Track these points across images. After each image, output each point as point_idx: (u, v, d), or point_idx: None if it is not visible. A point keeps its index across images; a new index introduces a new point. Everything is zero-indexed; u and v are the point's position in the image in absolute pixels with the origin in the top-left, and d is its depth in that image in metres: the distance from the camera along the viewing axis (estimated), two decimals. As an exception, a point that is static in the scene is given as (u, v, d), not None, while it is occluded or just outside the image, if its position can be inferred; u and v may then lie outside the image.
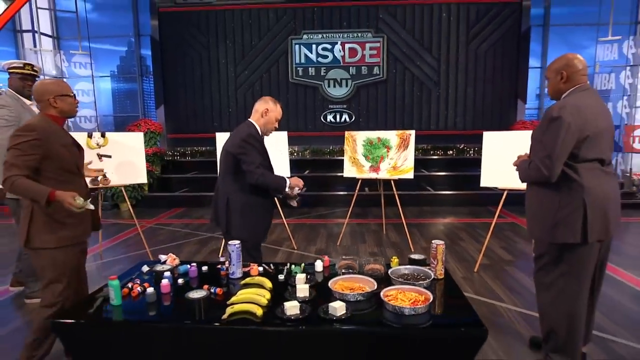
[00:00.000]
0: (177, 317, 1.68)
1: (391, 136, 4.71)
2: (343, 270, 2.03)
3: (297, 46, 8.96)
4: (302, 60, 9.01)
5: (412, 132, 4.68)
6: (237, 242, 2.07)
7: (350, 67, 8.97)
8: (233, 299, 1.75)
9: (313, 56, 8.98)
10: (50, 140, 1.99)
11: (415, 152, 4.70)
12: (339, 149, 8.87)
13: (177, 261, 2.21)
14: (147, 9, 9.19)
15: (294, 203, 2.70)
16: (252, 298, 1.74)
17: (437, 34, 8.75)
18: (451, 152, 8.72)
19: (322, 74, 9.02)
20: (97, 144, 4.17)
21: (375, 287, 1.81)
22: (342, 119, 9.12)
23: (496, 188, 4.06)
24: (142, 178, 4.37)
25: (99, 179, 4.08)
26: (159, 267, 2.09)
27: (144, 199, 7.27)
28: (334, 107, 9.09)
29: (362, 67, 8.95)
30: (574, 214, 2.13)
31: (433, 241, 2.09)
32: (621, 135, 8.06)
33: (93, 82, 8.64)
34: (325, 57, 8.97)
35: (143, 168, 4.38)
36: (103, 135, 4.20)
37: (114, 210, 7.15)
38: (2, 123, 3.03)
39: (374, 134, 4.82)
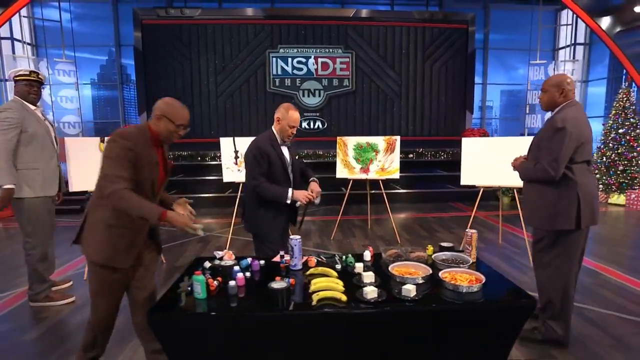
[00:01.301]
0: (269, 306, 1.67)
1: (379, 141, 4.87)
2: (392, 258, 2.12)
3: (274, 59, 8.94)
4: (279, 72, 9.00)
5: (398, 138, 4.87)
6: (298, 236, 2.08)
7: (323, 79, 9.09)
8: (312, 287, 1.78)
9: (289, 68, 9.00)
10: (140, 154, 1.78)
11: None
12: (313, 153, 8.97)
13: (233, 256, 2.18)
14: (128, 20, 8.77)
15: (315, 201, 2.60)
16: (330, 286, 1.78)
17: (399, 52, 9.10)
18: (412, 155, 9.10)
19: (297, 84, 9.06)
20: (110, 149, 3.95)
21: (430, 271, 1.92)
22: (316, 126, 9.21)
23: (474, 186, 4.32)
24: (154, 181, 4.19)
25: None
26: (223, 263, 2.05)
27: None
28: (308, 115, 9.16)
29: (334, 79, 9.10)
30: (570, 206, 2.38)
31: (467, 230, 2.24)
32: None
33: (78, 90, 8.07)
34: (300, 69, 9.02)
35: (154, 171, 4.21)
36: (116, 141, 3.98)
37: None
38: (2, 126, 2.79)
39: (363, 139, 4.96)
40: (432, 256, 2.16)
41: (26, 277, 3.48)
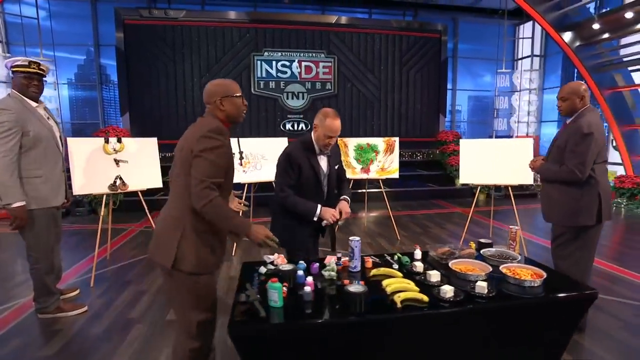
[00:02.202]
0: (351, 311, 1.53)
1: (379, 142, 4.83)
2: (445, 256, 2.05)
3: (258, 62, 8.68)
4: (264, 75, 8.75)
5: (397, 139, 4.85)
6: (358, 238, 1.96)
7: (306, 83, 8.94)
8: (389, 289, 1.66)
9: (273, 71, 8.78)
10: (229, 150, 1.61)
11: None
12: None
13: (285, 260, 2.02)
14: (107, 19, 8.18)
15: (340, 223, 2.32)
16: (406, 287, 1.67)
17: (378, 58, 9.14)
18: (391, 156, 9.16)
19: (281, 87, 8.85)
20: (114, 150, 3.61)
21: (491, 268, 1.86)
22: (299, 128, 9.05)
23: (469, 185, 4.38)
24: (158, 182, 3.88)
25: (117, 184, 3.56)
26: (282, 267, 1.88)
27: (121, 203, 6.42)
28: (292, 117, 8.98)
29: (317, 83, 8.98)
30: (592, 203, 2.43)
31: (511, 226, 2.22)
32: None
33: (58, 89, 7.39)
34: (285, 72, 8.82)
35: (158, 172, 3.90)
36: (119, 141, 3.64)
37: (91, 216, 6.20)
38: (1, 130, 2.34)
39: (363, 140, 4.90)
40: (481, 252, 2.12)
41: (25, 287, 3.13)
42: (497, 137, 9.36)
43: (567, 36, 6.86)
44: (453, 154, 8.36)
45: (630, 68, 7.00)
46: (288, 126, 8.99)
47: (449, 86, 10.16)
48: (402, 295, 1.59)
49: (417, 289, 1.67)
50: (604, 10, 6.79)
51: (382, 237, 4.94)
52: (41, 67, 2.62)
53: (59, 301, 2.80)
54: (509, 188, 4.21)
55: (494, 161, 4.14)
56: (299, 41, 8.79)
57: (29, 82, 2.54)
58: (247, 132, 8.83)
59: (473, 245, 2.24)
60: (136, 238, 4.89)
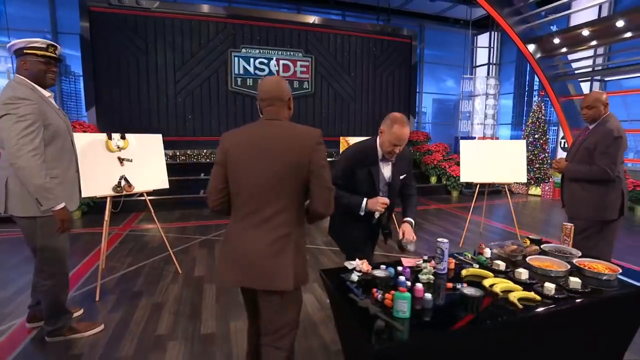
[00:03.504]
0: (472, 315, 1.42)
1: (380, 142, 4.77)
2: (515, 254, 2.02)
3: (236, 58, 8.26)
4: (241, 72, 8.35)
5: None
6: (446, 240, 1.85)
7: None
8: (497, 289, 1.58)
9: (251, 68, 8.41)
10: None
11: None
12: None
13: (370, 266, 1.84)
14: (67, 4, 7.29)
15: (410, 247, 2.08)
16: (511, 286, 1.61)
17: (354, 60, 9.13)
18: (365, 155, 9.20)
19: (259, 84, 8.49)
20: (118, 147, 3.16)
21: (569, 265, 1.86)
22: (277, 127, 8.76)
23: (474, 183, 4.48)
24: (164, 182, 3.48)
25: (122, 184, 3.13)
26: (378, 273, 1.70)
27: (96, 204, 5.74)
28: (269, 116, 8.67)
29: (294, 82, 8.75)
30: (617, 199, 2.58)
31: (564, 223, 2.26)
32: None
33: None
34: (262, 70, 8.49)
35: (164, 172, 3.50)
36: (123, 137, 3.20)
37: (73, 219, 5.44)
38: (25, 125, 1.92)
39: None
40: (542, 248, 2.13)
41: (15, 305, 2.65)
42: (461, 138, 9.81)
43: (531, 47, 7.35)
44: (428, 153, 8.61)
45: (579, 79, 7.71)
46: (265, 124, 8.66)
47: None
48: (517, 295, 1.53)
49: (520, 287, 1.62)
50: (563, 28, 7.36)
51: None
52: (57, 51, 2.20)
53: (71, 320, 2.38)
54: (505, 186, 4.37)
55: (492, 160, 4.28)
56: (277, 39, 8.51)
57: (48, 68, 2.12)
58: (224, 129, 8.32)
59: (528, 241, 2.25)
60: (125, 243, 4.37)
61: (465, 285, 1.63)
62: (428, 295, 1.48)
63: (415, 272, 1.81)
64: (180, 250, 4.12)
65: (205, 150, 8.01)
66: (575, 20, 7.47)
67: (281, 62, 8.58)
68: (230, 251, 1.44)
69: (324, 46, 8.86)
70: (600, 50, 7.57)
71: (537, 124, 8.09)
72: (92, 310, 2.73)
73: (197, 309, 2.76)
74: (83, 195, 2.92)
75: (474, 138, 9.60)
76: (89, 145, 2.98)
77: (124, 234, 4.80)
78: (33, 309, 2.48)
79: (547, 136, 8.17)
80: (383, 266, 1.83)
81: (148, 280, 3.28)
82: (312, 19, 8.74)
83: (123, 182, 3.14)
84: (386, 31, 9.32)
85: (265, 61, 8.48)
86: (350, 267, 1.82)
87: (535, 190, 8.17)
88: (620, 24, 5.85)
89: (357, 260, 1.85)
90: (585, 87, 7.80)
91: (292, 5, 9.43)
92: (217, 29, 8.04)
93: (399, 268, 1.83)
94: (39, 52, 2.08)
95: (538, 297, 1.53)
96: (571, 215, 2.76)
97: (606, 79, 7.93)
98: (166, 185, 3.48)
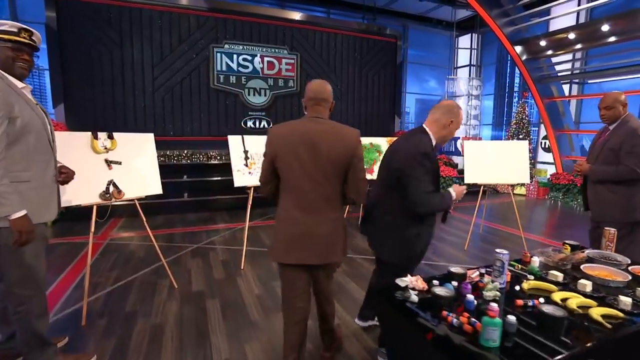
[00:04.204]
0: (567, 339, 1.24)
1: (382, 142, 4.62)
2: (564, 262, 1.88)
3: (218, 54, 7.84)
4: (224, 68, 7.94)
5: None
6: (507, 251, 1.67)
7: (269, 79, 8.36)
8: (572, 305, 1.41)
9: (234, 65, 8.02)
10: None
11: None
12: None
13: (425, 282, 1.63)
14: (30, -11, 6.63)
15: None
16: (587, 302, 1.45)
17: (340, 58, 8.95)
18: (352, 155, 9.05)
19: (242, 82, 8.13)
20: (105, 148, 2.78)
21: (630, 277, 1.73)
22: (261, 125, 8.44)
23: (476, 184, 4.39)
24: (158, 188, 3.11)
25: (111, 191, 2.76)
26: (439, 292, 1.49)
27: (68, 210, 5.18)
28: (253, 114, 8.33)
29: (279, 80, 8.45)
30: (645, 199, 2.51)
31: (606, 228, 2.15)
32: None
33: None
34: (246, 67, 8.12)
35: (157, 176, 3.13)
36: (111, 137, 2.82)
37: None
38: None
39: (366, 140, 4.65)
40: (588, 255, 2.01)
41: None
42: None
43: (517, 49, 7.45)
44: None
45: (562, 82, 7.92)
46: (249, 123, 8.32)
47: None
48: (597, 311, 1.37)
49: (595, 302, 1.46)
50: (544, 32, 7.51)
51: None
52: (33, 36, 1.85)
53: (56, 353, 2.01)
54: (510, 187, 4.31)
55: (496, 161, 4.21)
56: (261, 35, 8.17)
57: (17, 55, 1.77)
58: (206, 129, 7.98)
59: (568, 248, 2.12)
60: (107, 254, 3.94)
61: (537, 302, 1.46)
62: (512, 318, 1.28)
63: (474, 287, 1.62)
64: (172, 261, 3.74)
65: (186, 151, 7.54)
66: (554, 26, 7.66)
67: (266, 59, 8.25)
68: (289, 234, 1.70)
69: (310, 44, 8.62)
70: (579, 55, 7.81)
71: (521, 124, 8.24)
72: (80, 338, 2.35)
73: (204, 331, 2.44)
74: (65, 205, 2.53)
75: (458, 138, 9.69)
76: (71, 145, 2.59)
77: (103, 243, 4.34)
78: (3, 346, 2.08)
79: (531, 137, 8.34)
80: (436, 281, 1.63)
81: (141, 298, 2.91)
82: (296, 15, 8.47)
83: (112, 188, 2.76)
84: (372, 30, 9.20)
85: (249, 58, 8.12)
86: (402, 284, 1.60)
87: (520, 190, 8.31)
88: (605, 28, 6.01)
89: (408, 276, 1.64)
90: (566, 89, 8.02)
91: (275, 0, 9.12)
92: (199, 22, 7.60)
93: (453, 283, 1.64)
94: (5, 37, 1.73)
95: (620, 314, 1.38)
96: (598, 218, 2.68)
97: (589, 81, 8.20)
98: (159, 191, 3.11)
